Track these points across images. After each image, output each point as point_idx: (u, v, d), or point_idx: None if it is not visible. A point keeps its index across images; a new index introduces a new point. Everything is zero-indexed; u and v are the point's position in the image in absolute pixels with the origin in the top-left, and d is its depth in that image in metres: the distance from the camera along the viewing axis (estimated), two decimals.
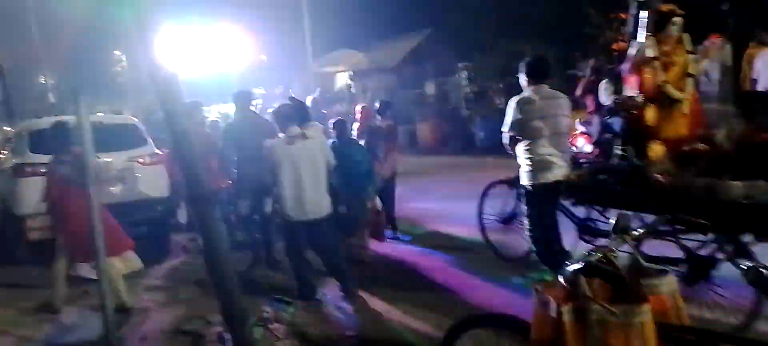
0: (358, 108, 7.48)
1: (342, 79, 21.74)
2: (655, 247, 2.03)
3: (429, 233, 6.75)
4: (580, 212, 4.57)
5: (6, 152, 6.98)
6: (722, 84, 7.30)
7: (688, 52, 4.27)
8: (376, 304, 4.63)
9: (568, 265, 1.73)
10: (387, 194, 6.60)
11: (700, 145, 4.07)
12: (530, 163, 4.29)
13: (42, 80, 21.85)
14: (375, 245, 6.04)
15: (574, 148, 4.81)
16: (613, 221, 1.93)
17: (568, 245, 4.44)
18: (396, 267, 5.62)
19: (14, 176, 6.17)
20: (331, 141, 5.56)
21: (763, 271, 1.71)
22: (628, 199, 3.92)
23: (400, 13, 19.99)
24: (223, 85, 15.49)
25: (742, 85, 6.74)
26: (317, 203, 4.75)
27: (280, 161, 4.66)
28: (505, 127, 4.41)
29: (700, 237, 3.49)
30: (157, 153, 7.05)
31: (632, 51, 4.40)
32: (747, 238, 3.41)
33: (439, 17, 19.40)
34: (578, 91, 4.74)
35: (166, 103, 2.85)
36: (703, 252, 3.54)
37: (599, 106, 4.64)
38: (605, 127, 5.15)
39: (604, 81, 5.95)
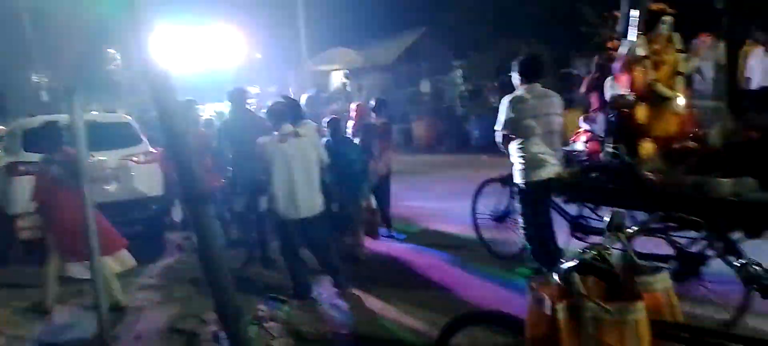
0: (353, 106, 7.48)
1: (337, 78, 21.73)
2: (643, 244, 2.04)
3: (424, 231, 6.76)
4: (572, 209, 4.60)
5: None
6: (716, 82, 7.34)
7: (679, 51, 4.30)
8: (372, 302, 4.63)
9: (562, 262, 1.73)
10: (382, 192, 6.60)
11: (690, 143, 4.10)
12: (523, 161, 4.32)
13: (35, 78, 21.74)
14: (370, 243, 6.05)
15: (578, 146, 4.84)
16: (606, 219, 1.93)
17: (560, 242, 4.47)
18: (391, 265, 5.62)
19: (7, 174, 6.13)
20: (325, 140, 5.55)
21: (756, 268, 1.72)
22: (620, 196, 3.95)
23: (395, 11, 19.96)
24: (218, 83, 15.44)
25: (740, 84, 6.77)
26: (310, 201, 4.75)
27: (272, 159, 4.66)
28: (499, 126, 4.45)
29: (691, 234, 3.52)
30: (151, 151, 7.02)
31: (623, 50, 4.43)
32: (737, 235, 3.44)
33: (435, 15, 19.38)
34: (582, 89, 4.76)
35: (160, 102, 2.84)
36: (692, 249, 3.57)
37: (604, 104, 4.65)
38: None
39: (609, 78, 5.96)
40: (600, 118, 4.91)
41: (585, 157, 4.70)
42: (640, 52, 4.23)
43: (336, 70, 21.53)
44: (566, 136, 5.51)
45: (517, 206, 4.56)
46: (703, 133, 4.17)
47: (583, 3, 13.05)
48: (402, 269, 5.47)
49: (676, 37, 4.33)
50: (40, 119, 6.35)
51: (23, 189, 5.57)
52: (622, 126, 4.38)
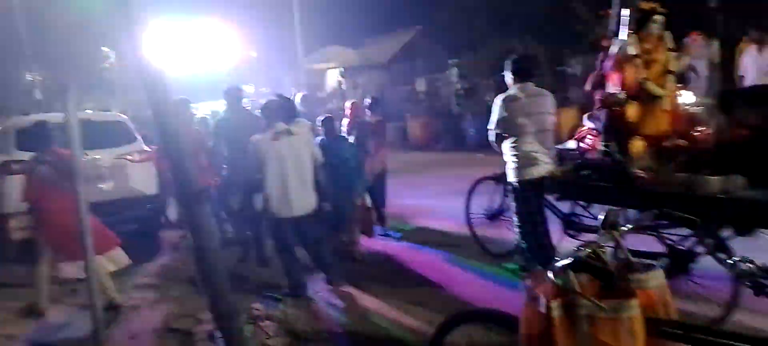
0: (348, 104, 7.48)
1: (333, 76, 21.71)
2: (632, 241, 2.05)
3: (419, 229, 6.76)
4: (564, 207, 4.62)
5: None
6: (711, 80, 7.38)
7: (670, 50, 4.32)
8: (367, 300, 4.63)
9: (557, 260, 1.74)
10: (378, 190, 6.60)
11: (681, 141, 4.13)
12: (516, 159, 4.36)
13: (29, 77, 21.62)
14: (365, 242, 6.05)
15: (571, 144, 4.86)
16: (600, 216, 1.94)
17: (553, 239, 4.50)
18: (386, 263, 5.62)
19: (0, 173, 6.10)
20: (319, 138, 5.55)
21: (749, 265, 1.73)
22: (611, 194, 3.99)
23: (390, 9, 19.99)
24: (213, 82, 15.41)
25: (736, 82, 6.82)
26: (303, 199, 4.76)
27: (264, 157, 4.66)
28: (492, 125, 4.48)
29: (681, 231, 3.56)
30: (146, 150, 7.00)
31: (614, 49, 4.46)
32: (727, 232, 3.47)
33: (430, 14, 19.42)
34: (587, 86, 4.78)
35: (154, 100, 2.83)
36: (682, 246, 3.61)
37: None
38: None
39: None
40: (604, 115, 4.93)
41: (577, 155, 4.72)
42: (632, 50, 4.26)
43: (332, 68, 21.51)
44: (561, 135, 5.53)
45: (512, 204, 4.59)
46: (696, 131, 4.20)
47: (578, 1, 13.09)
48: (397, 267, 5.48)
49: (667, 36, 4.35)
50: (34, 118, 6.32)
51: (15, 188, 5.55)
52: (613, 124, 4.41)
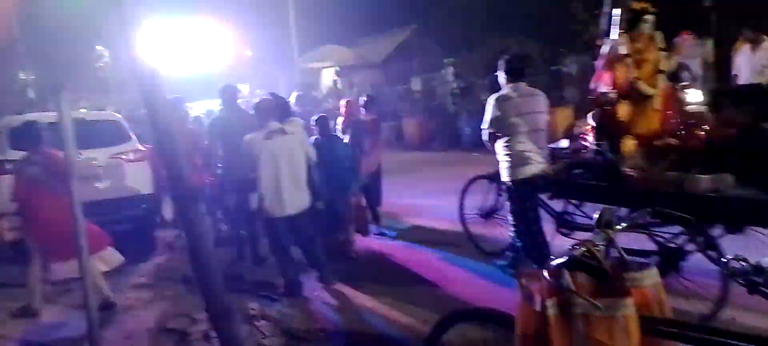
0: (342, 102, 7.48)
1: (328, 75, 21.70)
2: (622, 239, 2.07)
3: (415, 228, 6.77)
4: (557, 205, 4.64)
5: None
6: (704, 80, 7.41)
7: (660, 49, 4.35)
8: (362, 299, 4.63)
9: (552, 259, 1.74)
10: (373, 188, 6.60)
11: (672, 140, 4.16)
12: (509, 158, 4.39)
13: (21, 76, 21.49)
14: (360, 241, 6.05)
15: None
16: (595, 215, 1.94)
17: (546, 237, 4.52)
18: (382, 262, 5.62)
19: None
20: (313, 138, 5.55)
21: (743, 264, 1.74)
22: (602, 193, 4.02)
23: (386, 8, 19.95)
24: (208, 81, 15.36)
25: (730, 82, 6.85)
26: (296, 198, 4.77)
27: (257, 156, 4.66)
28: (485, 124, 4.51)
29: (672, 230, 3.58)
30: (140, 149, 6.98)
31: (606, 48, 4.48)
32: (717, 230, 3.53)
33: (426, 13, 19.41)
34: (591, 85, 4.81)
35: (148, 99, 2.82)
36: (673, 244, 3.64)
37: None
38: None
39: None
40: (595, 114, 4.95)
41: (570, 154, 4.75)
42: (623, 50, 4.28)
43: (327, 67, 21.49)
44: (556, 134, 5.55)
45: (506, 203, 4.62)
46: (700, 129, 4.23)
47: (574, 1, 13.12)
48: (393, 266, 5.48)
49: (658, 36, 4.38)
50: (27, 117, 6.29)
51: (7, 188, 5.51)
52: (604, 123, 4.43)
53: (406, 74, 19.10)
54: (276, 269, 5.03)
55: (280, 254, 4.90)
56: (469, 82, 15.75)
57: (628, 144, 4.17)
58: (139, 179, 6.82)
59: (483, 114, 4.55)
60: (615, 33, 4.41)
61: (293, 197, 4.75)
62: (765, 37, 6.48)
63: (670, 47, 4.50)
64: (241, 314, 4.38)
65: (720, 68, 7.44)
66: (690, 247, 3.57)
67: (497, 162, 4.56)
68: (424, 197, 8.37)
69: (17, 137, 6.04)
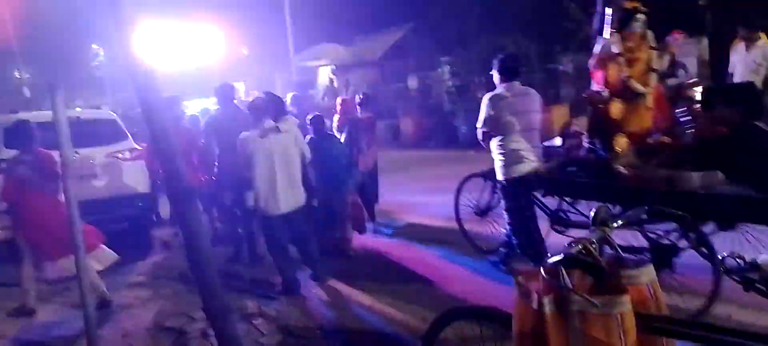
0: (338, 101, 7.48)
1: (324, 73, 21.66)
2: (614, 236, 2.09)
3: (411, 226, 6.78)
4: (550, 202, 4.66)
5: None
6: (700, 78, 7.44)
7: (652, 48, 4.37)
8: (360, 297, 4.64)
9: (548, 256, 1.74)
10: (370, 186, 6.60)
11: (664, 138, 4.18)
12: (503, 157, 4.42)
13: (17, 75, 21.43)
14: (357, 239, 6.05)
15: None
16: (591, 212, 1.95)
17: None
18: (378, 260, 5.63)
19: None
20: (308, 137, 5.55)
21: (739, 261, 1.75)
22: (595, 190, 4.05)
23: (382, 6, 19.93)
24: (204, 79, 15.33)
25: (725, 79, 6.87)
26: (291, 196, 4.79)
27: (252, 154, 4.67)
28: (479, 123, 4.53)
29: (664, 226, 3.62)
30: (136, 148, 6.97)
31: (598, 47, 4.50)
32: (710, 227, 3.57)
33: (422, 11, 19.38)
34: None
35: (144, 98, 2.81)
36: (666, 241, 3.67)
37: None
38: None
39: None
40: (588, 112, 4.96)
41: (563, 152, 4.77)
42: (614, 49, 4.31)
43: (323, 65, 21.46)
44: (552, 132, 5.57)
45: (501, 201, 4.65)
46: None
47: None
48: (390, 263, 5.49)
49: (650, 35, 4.40)
50: (19, 116, 6.27)
51: None
52: (597, 121, 4.45)
53: (403, 72, 19.09)
54: (273, 267, 5.03)
55: (278, 253, 4.90)
56: (465, 81, 15.75)
57: (621, 142, 4.20)
58: (135, 178, 6.81)
59: (479, 112, 4.57)
60: (607, 32, 4.44)
61: (288, 195, 4.77)
62: (760, 35, 6.50)
63: (662, 46, 4.52)
64: (238, 313, 4.38)
65: (715, 66, 7.46)
66: (682, 244, 3.60)
67: (492, 160, 4.59)
68: (421, 195, 8.38)
69: (10, 137, 6.04)
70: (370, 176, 6.68)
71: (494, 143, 4.48)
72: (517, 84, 4.47)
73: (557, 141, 5.01)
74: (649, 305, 1.73)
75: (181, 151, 3.03)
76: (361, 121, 6.66)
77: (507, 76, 4.47)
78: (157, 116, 2.83)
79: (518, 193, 4.43)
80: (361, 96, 7.14)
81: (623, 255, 1.84)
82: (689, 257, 3.59)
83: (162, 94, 3.01)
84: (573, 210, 4.56)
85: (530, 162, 4.37)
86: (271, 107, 5.00)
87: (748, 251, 3.32)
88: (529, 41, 13.83)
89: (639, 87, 4.27)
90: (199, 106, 12.15)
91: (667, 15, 6.16)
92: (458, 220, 5.55)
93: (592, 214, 1.91)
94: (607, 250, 1.87)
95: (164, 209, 7.59)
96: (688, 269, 3.58)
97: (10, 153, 5.82)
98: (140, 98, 2.83)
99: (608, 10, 4.45)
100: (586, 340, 1.62)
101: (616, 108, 4.28)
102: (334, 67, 20.69)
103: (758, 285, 1.72)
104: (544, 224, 4.61)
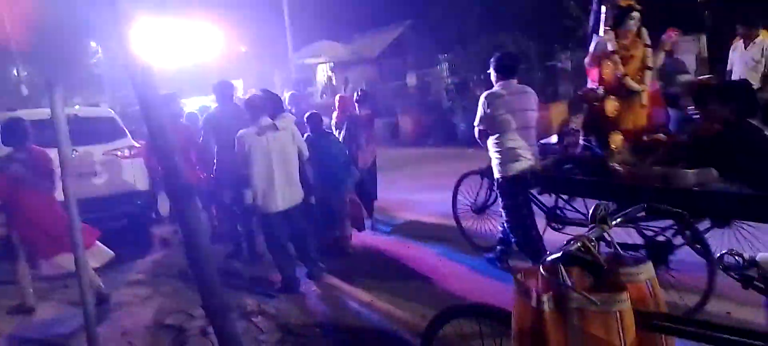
0: (336, 98, 7.47)
1: (323, 71, 21.65)
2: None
3: (409, 223, 6.78)
4: (547, 200, 4.68)
5: None
6: (698, 75, 7.43)
7: (647, 46, 4.38)
8: (359, 295, 4.64)
9: (547, 253, 1.74)
10: (368, 183, 6.60)
11: (659, 135, 4.19)
12: (499, 155, 4.43)
13: (14, 72, 21.35)
14: (356, 236, 6.05)
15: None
16: (590, 210, 1.95)
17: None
18: (377, 258, 5.63)
19: None
20: (306, 135, 5.55)
21: (737, 258, 1.75)
22: (591, 188, 4.07)
23: (381, 4, 19.90)
24: (202, 77, 15.30)
25: (726, 76, 6.87)
26: (288, 193, 4.79)
27: (249, 152, 4.67)
28: (476, 121, 4.54)
29: (660, 223, 3.62)
30: (135, 145, 6.96)
31: (593, 45, 4.51)
32: (705, 224, 3.58)
33: (420, 9, 19.35)
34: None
35: (142, 96, 2.81)
36: (662, 238, 3.68)
37: None
38: None
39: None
40: (583, 110, 4.97)
41: (559, 150, 4.78)
42: (610, 47, 4.31)
43: (322, 63, 21.44)
44: (550, 129, 5.58)
45: (499, 198, 4.65)
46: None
47: None
48: (388, 261, 5.49)
49: (644, 33, 4.41)
50: (15, 114, 6.25)
51: None
52: (592, 119, 4.46)
53: (401, 70, 19.08)
54: (272, 265, 5.03)
55: (277, 250, 4.90)
56: (464, 78, 15.75)
57: (616, 139, 4.21)
58: (133, 175, 6.81)
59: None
60: (602, 30, 4.45)
61: (285, 192, 4.78)
62: (758, 32, 6.50)
63: (657, 44, 4.53)
64: (238, 310, 4.38)
65: (715, 64, 7.46)
66: (677, 241, 3.62)
67: (489, 158, 4.60)
68: (419, 193, 8.39)
69: (5, 134, 6.03)
70: (369, 174, 6.67)
71: (491, 141, 4.49)
72: (513, 82, 4.48)
73: (554, 138, 5.02)
74: (648, 303, 1.73)
75: (179, 148, 3.02)
76: (359, 119, 6.66)
77: (504, 74, 4.48)
78: (155, 113, 2.83)
79: (515, 191, 4.44)
80: (359, 93, 7.13)
81: (622, 253, 1.84)
82: (684, 254, 3.61)
83: (160, 91, 3.01)
84: (569, 207, 4.58)
85: (527, 160, 4.38)
86: (269, 105, 5.00)
87: (742, 247, 3.36)
88: (528, 39, 13.82)
89: (634, 85, 4.28)
90: (197, 104, 12.14)
91: (666, 13, 6.17)
92: (456, 217, 5.56)
93: (590, 211, 1.92)
94: (605, 248, 1.88)
95: (163, 206, 7.59)
96: (683, 266, 3.59)
97: (4, 150, 5.84)
98: (138, 95, 2.83)
99: (603, 8, 4.46)
100: (585, 337, 1.62)
101: (611, 105, 4.29)
102: (332, 64, 20.69)
103: (757, 283, 1.72)
104: (541, 221, 4.62)
